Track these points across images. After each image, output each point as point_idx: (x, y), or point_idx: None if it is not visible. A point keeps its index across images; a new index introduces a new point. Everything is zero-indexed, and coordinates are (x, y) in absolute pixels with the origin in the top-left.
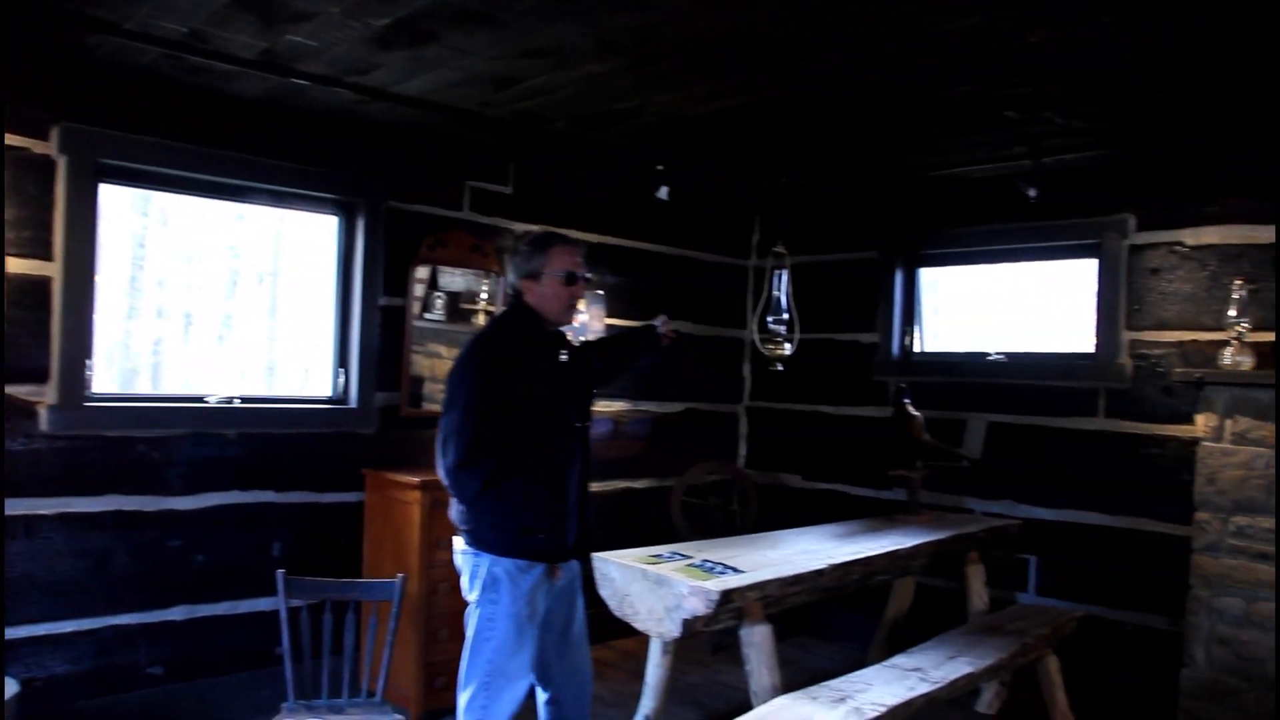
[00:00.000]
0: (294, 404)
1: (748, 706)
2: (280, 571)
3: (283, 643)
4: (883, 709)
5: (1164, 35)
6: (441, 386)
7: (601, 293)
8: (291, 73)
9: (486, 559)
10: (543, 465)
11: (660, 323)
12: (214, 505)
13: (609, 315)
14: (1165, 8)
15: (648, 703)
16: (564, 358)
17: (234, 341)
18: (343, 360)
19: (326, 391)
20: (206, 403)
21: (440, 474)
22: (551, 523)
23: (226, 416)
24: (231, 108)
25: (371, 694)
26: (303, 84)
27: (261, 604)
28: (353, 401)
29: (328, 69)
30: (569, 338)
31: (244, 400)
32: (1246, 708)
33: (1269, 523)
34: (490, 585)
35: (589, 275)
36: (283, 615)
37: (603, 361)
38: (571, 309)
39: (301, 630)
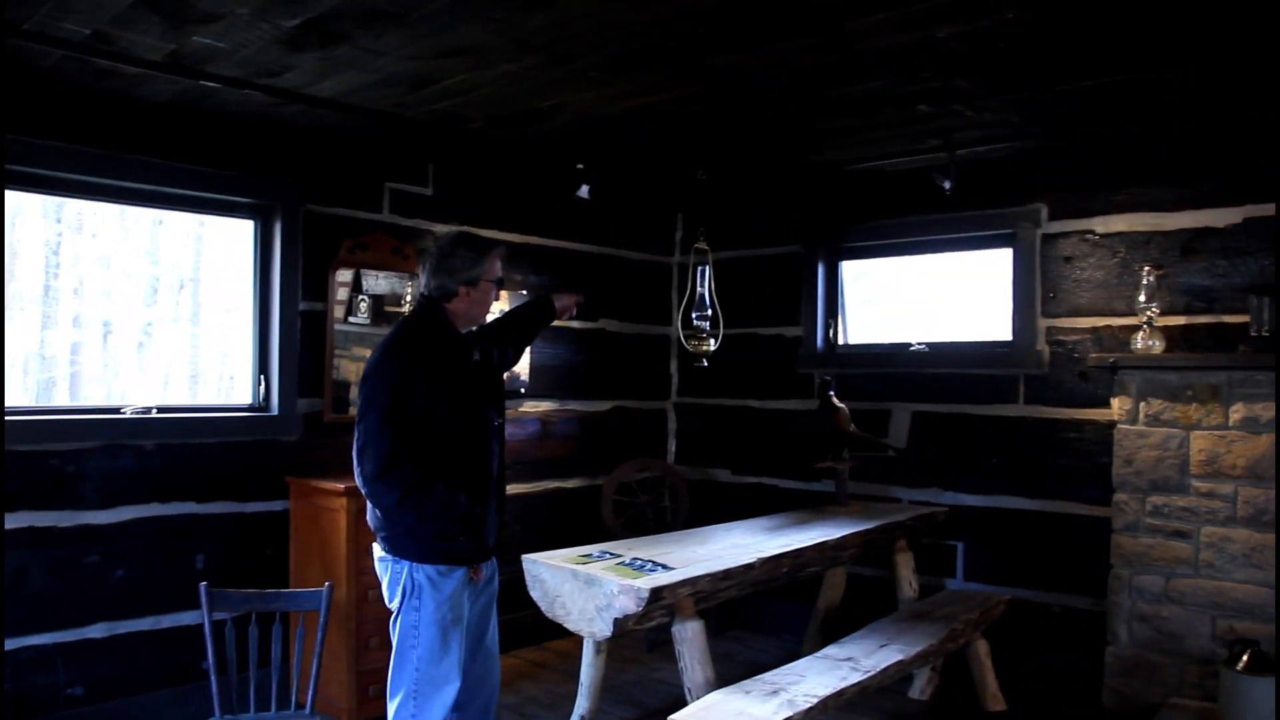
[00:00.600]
0: (214, 412)
1: (684, 703)
2: (203, 584)
3: (208, 657)
4: (815, 700)
5: (1070, 27)
6: None
7: (525, 292)
8: (201, 75)
9: (406, 565)
10: (463, 468)
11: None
12: (133, 519)
13: None
14: (1065, 5)
15: (583, 703)
16: (476, 357)
17: (155, 350)
18: (263, 367)
19: (248, 399)
20: (122, 414)
21: (358, 482)
22: (472, 525)
23: (143, 427)
24: (142, 111)
25: (301, 705)
26: (214, 86)
27: (185, 618)
28: (274, 408)
29: (239, 71)
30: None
31: (161, 410)
32: (1167, 681)
33: (1184, 501)
34: (412, 592)
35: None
36: (206, 629)
37: (503, 349)
38: (488, 315)
39: (227, 643)
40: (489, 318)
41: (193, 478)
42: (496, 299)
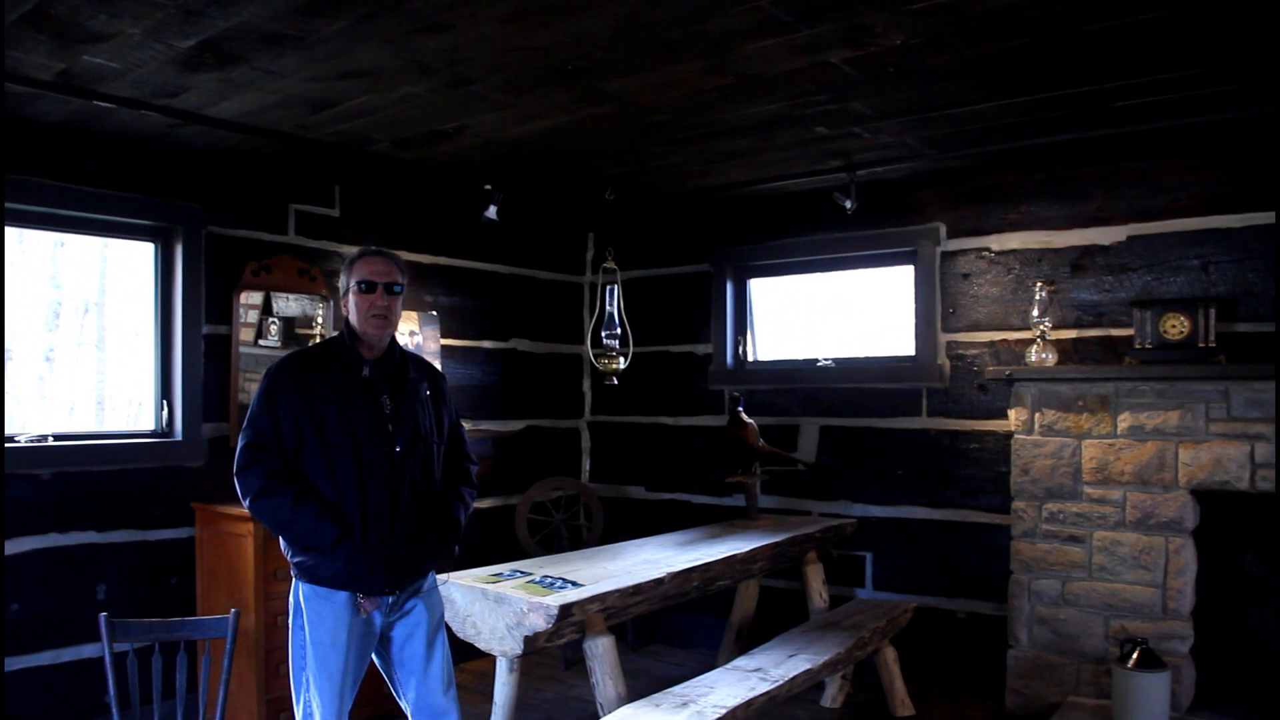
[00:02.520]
0: (114, 439)
1: (598, 719)
2: (103, 615)
3: (109, 690)
4: (724, 710)
5: (956, 52)
6: None
7: (435, 314)
8: (94, 95)
9: (295, 583)
10: (340, 491)
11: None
12: (29, 550)
13: (445, 336)
14: (956, 29)
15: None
16: (365, 373)
17: (58, 376)
18: (166, 391)
19: (150, 425)
20: (16, 442)
21: None
22: (349, 553)
23: (39, 456)
24: (34, 131)
25: None
26: (108, 107)
27: (87, 651)
28: (178, 434)
29: (134, 91)
30: (419, 367)
31: (59, 437)
32: (1065, 681)
33: (1077, 507)
34: (296, 610)
35: (391, 282)
36: (107, 661)
37: (439, 410)
38: (376, 320)
39: (129, 676)
40: (377, 319)
41: (93, 506)
42: (375, 304)
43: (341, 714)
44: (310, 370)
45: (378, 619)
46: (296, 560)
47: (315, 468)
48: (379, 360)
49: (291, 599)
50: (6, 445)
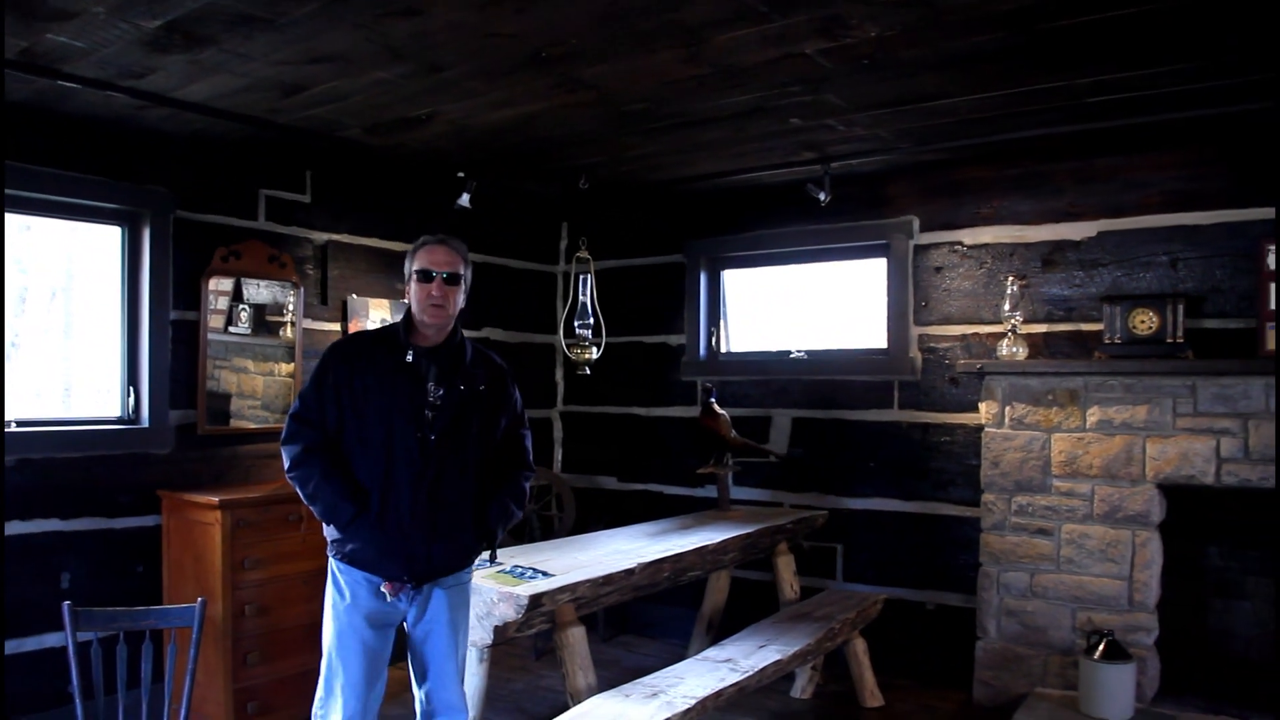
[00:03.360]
0: (79, 425)
1: (567, 709)
2: (66, 603)
3: (72, 680)
4: (694, 700)
5: (931, 45)
6: (252, 402)
7: (407, 301)
8: (58, 75)
9: (330, 557)
10: (370, 474)
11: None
12: None
13: None
14: (930, 22)
15: (469, 711)
16: (409, 358)
17: (24, 361)
18: (133, 377)
19: (116, 411)
20: None
21: None
22: (372, 536)
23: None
24: None
25: None
26: (73, 87)
27: (50, 640)
28: (144, 420)
29: (100, 72)
30: (470, 356)
31: (21, 424)
32: (1033, 672)
33: (1046, 500)
34: (330, 582)
35: (450, 272)
36: (70, 650)
37: (494, 409)
38: (434, 310)
39: (93, 665)
40: (434, 309)
41: (57, 493)
42: (430, 293)
43: (360, 690)
44: (362, 351)
45: (401, 605)
46: (327, 533)
47: (351, 447)
48: (433, 348)
49: (329, 569)
50: None
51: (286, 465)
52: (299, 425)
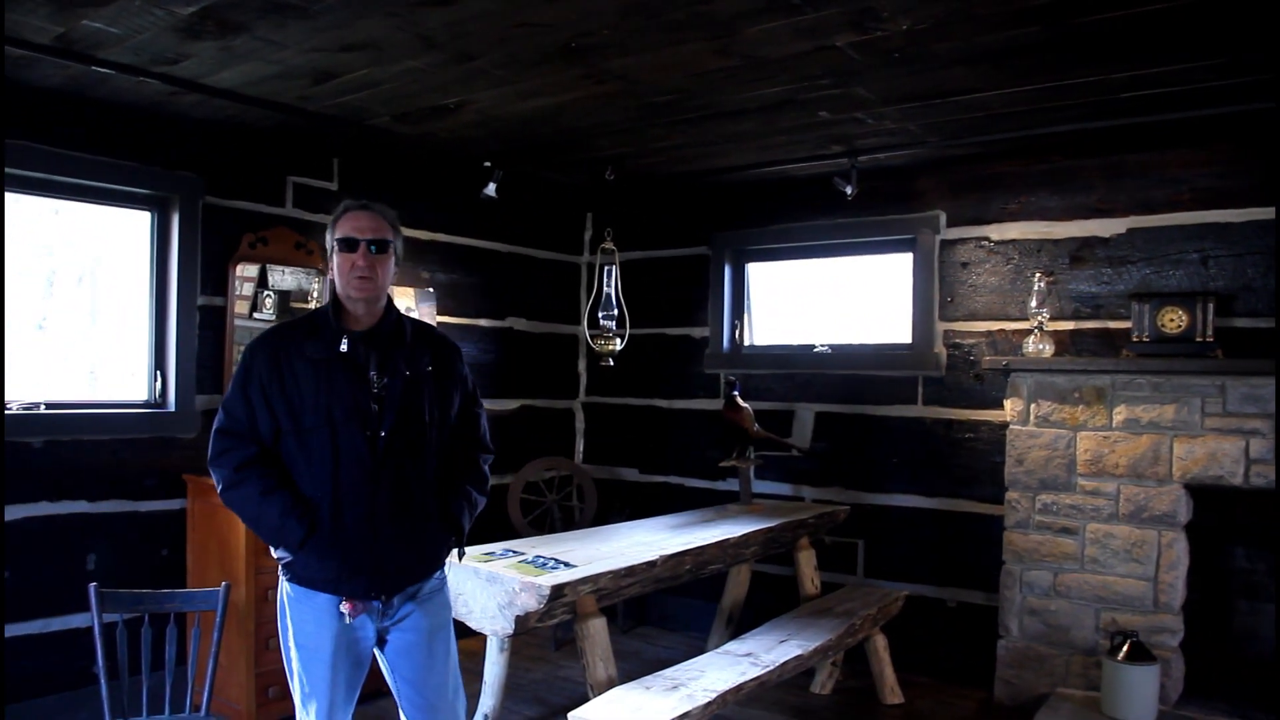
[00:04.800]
0: (107, 409)
1: (588, 700)
2: (92, 585)
3: (97, 660)
4: (714, 694)
5: (963, 38)
6: None
7: (432, 290)
8: (93, 60)
9: (280, 581)
10: (316, 483)
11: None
12: (20, 518)
13: (441, 313)
14: (963, 15)
15: (487, 700)
16: (344, 346)
17: (52, 344)
18: (160, 362)
19: (143, 395)
20: (10, 409)
21: None
22: (325, 552)
23: (31, 424)
24: (33, 97)
25: (196, 708)
26: (107, 73)
27: (75, 620)
28: (171, 405)
29: (133, 58)
30: (419, 335)
31: (50, 406)
32: (1055, 672)
33: (1070, 499)
34: (280, 611)
35: (377, 239)
36: (96, 631)
37: (446, 388)
38: (359, 282)
39: (118, 646)
40: (360, 280)
41: (84, 476)
42: (356, 264)
43: (341, 710)
44: (288, 345)
45: (369, 625)
46: (276, 556)
47: (291, 455)
48: (369, 331)
49: (277, 598)
50: None
51: (220, 488)
52: (227, 440)
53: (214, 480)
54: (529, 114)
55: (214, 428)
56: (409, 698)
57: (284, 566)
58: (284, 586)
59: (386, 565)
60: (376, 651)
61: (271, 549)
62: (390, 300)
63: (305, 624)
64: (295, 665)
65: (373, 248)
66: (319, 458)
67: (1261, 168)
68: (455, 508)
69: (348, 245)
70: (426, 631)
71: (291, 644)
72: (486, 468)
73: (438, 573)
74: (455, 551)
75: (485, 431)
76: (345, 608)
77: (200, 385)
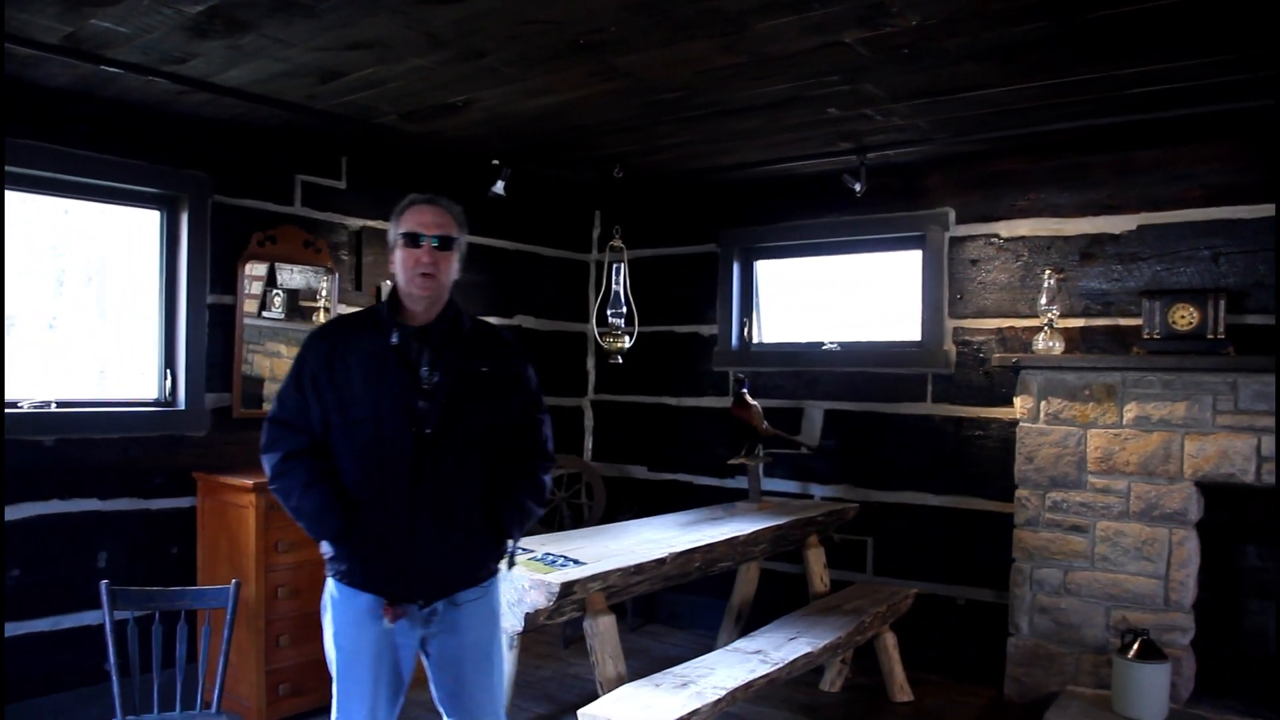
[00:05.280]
0: (117, 407)
1: (597, 698)
2: (104, 582)
3: (109, 657)
4: (724, 692)
5: (972, 34)
6: None
7: None
8: (101, 60)
9: (326, 579)
10: (361, 479)
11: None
12: (31, 516)
13: None
14: (972, 11)
15: None
16: (395, 340)
17: (61, 342)
18: (170, 360)
19: (153, 393)
20: (19, 408)
21: None
22: (368, 551)
23: (42, 422)
24: (40, 96)
25: (207, 705)
26: (115, 72)
27: (87, 618)
28: (181, 403)
29: (141, 57)
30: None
31: (61, 404)
32: (1065, 670)
33: (1081, 497)
34: (324, 603)
35: (442, 235)
36: (107, 628)
37: (505, 392)
38: (422, 279)
39: (129, 643)
40: (423, 278)
41: (95, 474)
42: (421, 260)
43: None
44: (344, 337)
45: (411, 631)
46: (321, 552)
47: (338, 448)
48: (425, 326)
49: (322, 598)
50: (9, 411)
51: (268, 476)
52: (278, 429)
53: (264, 468)
54: (537, 112)
55: (267, 417)
56: (448, 708)
57: (328, 563)
58: (328, 585)
59: (425, 567)
60: (422, 657)
61: (318, 546)
62: (452, 298)
63: (346, 625)
64: (334, 667)
65: (436, 244)
66: (363, 451)
67: (1272, 163)
68: (506, 516)
69: (411, 240)
70: (469, 644)
71: (330, 644)
72: (546, 477)
73: (484, 582)
74: (505, 561)
75: (547, 438)
76: (385, 612)
77: (210, 384)
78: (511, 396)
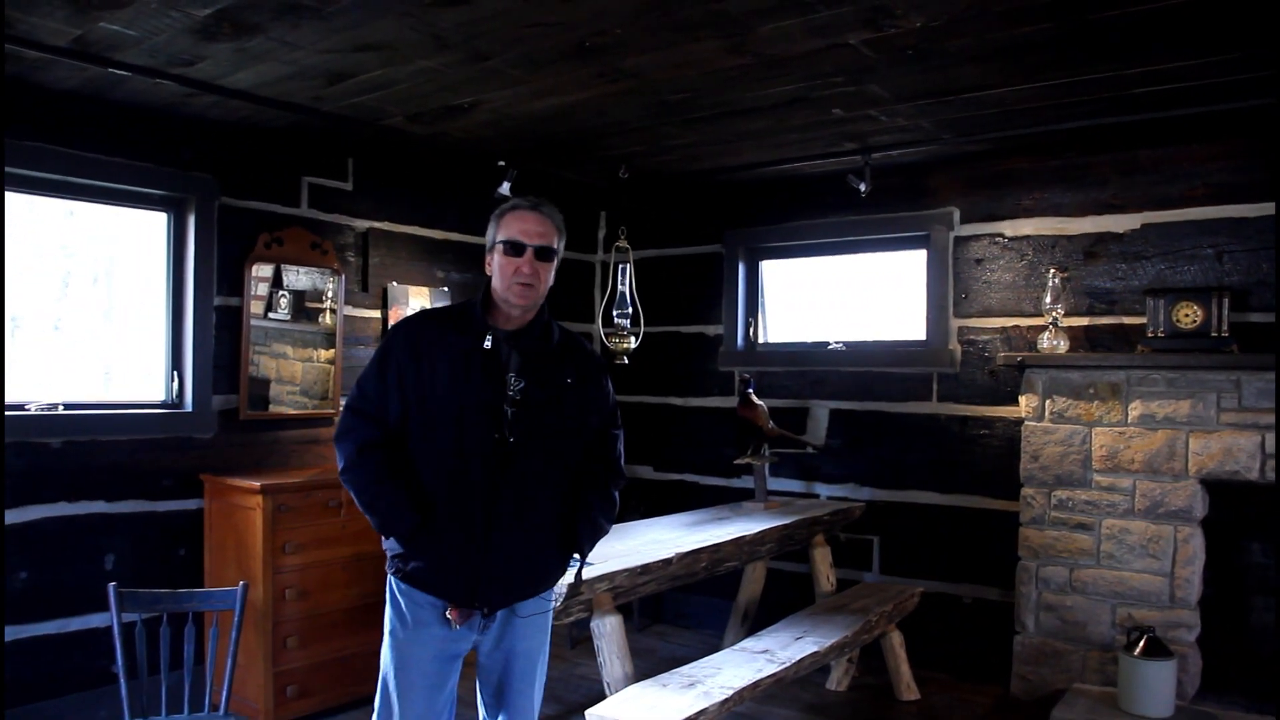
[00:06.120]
0: (124, 409)
1: (604, 697)
2: (111, 584)
3: (117, 660)
4: (731, 691)
5: (976, 34)
6: (291, 388)
7: (447, 289)
8: (109, 63)
9: (389, 575)
10: (436, 479)
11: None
12: (39, 518)
13: None
14: (976, 11)
15: None
16: (488, 344)
17: (67, 344)
18: (177, 362)
19: (160, 395)
20: (27, 410)
21: None
22: (438, 553)
23: (50, 424)
24: (48, 98)
25: (215, 707)
26: (123, 75)
27: (94, 620)
28: (188, 405)
29: (149, 60)
30: (558, 338)
31: (69, 406)
32: (1071, 667)
33: (1086, 495)
34: (389, 603)
35: (544, 246)
36: (115, 630)
37: (585, 403)
38: (520, 288)
39: (137, 645)
40: (522, 287)
41: (102, 476)
42: (521, 269)
43: None
44: (431, 332)
45: (469, 636)
46: (385, 548)
47: (416, 444)
48: (516, 332)
49: (385, 593)
50: (17, 413)
51: (341, 466)
52: (355, 419)
53: (337, 457)
54: (542, 113)
55: (345, 404)
56: (489, 709)
57: (392, 560)
58: (391, 582)
59: (494, 575)
60: (470, 670)
61: (382, 540)
62: (545, 305)
63: (404, 623)
64: (387, 663)
65: (538, 253)
66: (443, 452)
67: (1275, 162)
68: (581, 531)
69: (514, 249)
70: (520, 654)
71: (387, 642)
72: (617, 494)
73: (546, 593)
74: (573, 576)
75: (620, 455)
76: (451, 614)
77: (216, 385)
78: (592, 411)
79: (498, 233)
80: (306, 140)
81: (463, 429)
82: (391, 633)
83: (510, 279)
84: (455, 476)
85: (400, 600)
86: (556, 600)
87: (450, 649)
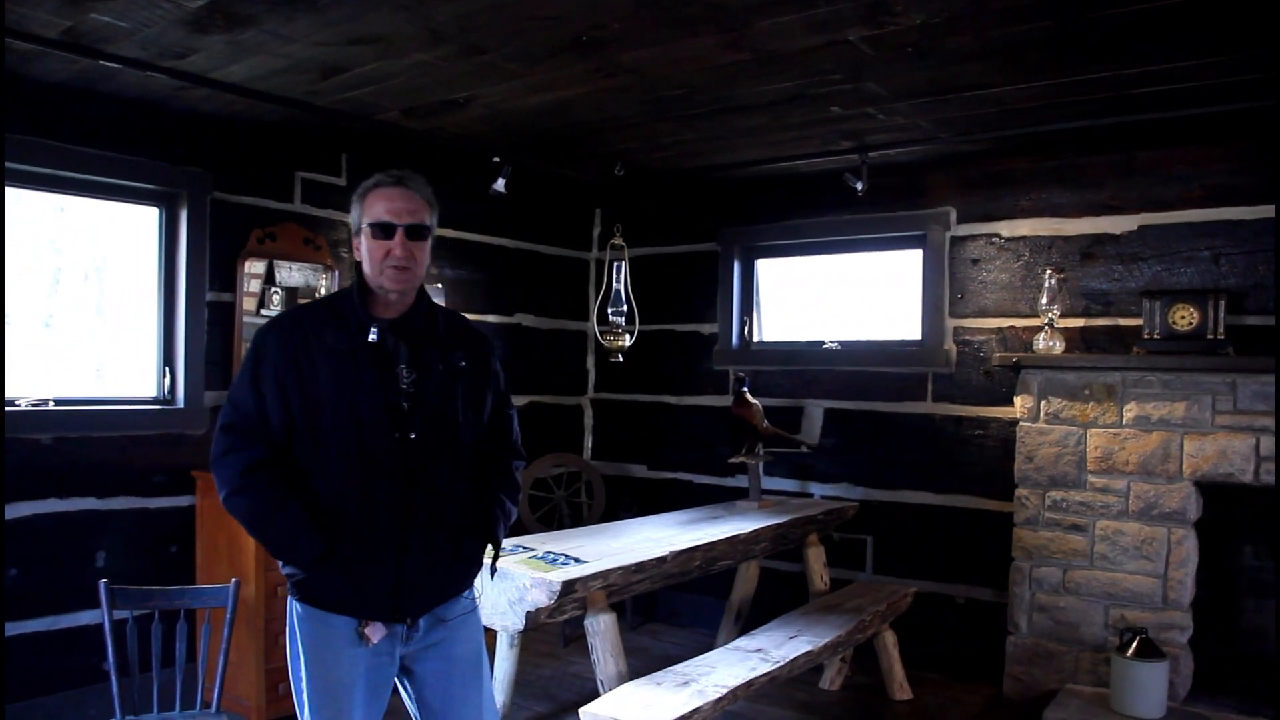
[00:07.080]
0: (116, 405)
1: (598, 696)
2: (103, 581)
3: (108, 657)
4: (725, 690)
5: (976, 33)
6: None
7: (440, 286)
8: (101, 55)
9: (289, 599)
10: (337, 492)
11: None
12: (29, 515)
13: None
14: (976, 9)
15: (497, 697)
16: (373, 336)
17: (58, 340)
18: (169, 358)
19: (152, 391)
20: (17, 406)
21: None
22: (349, 571)
23: (40, 420)
24: (38, 91)
25: (207, 704)
26: (114, 67)
27: (84, 617)
28: (180, 401)
29: (141, 52)
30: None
31: (59, 402)
32: (1064, 668)
33: (1080, 496)
34: (290, 633)
35: (415, 224)
36: (106, 627)
37: (479, 386)
38: (394, 271)
39: (129, 642)
40: (396, 270)
41: (93, 472)
42: (392, 251)
43: None
44: (306, 332)
45: (392, 650)
46: (286, 572)
47: (307, 458)
48: (398, 320)
49: (286, 619)
50: (8, 409)
51: (224, 492)
52: (235, 437)
53: (217, 484)
54: (538, 108)
55: (219, 423)
56: None
57: (293, 585)
58: (294, 607)
59: (415, 584)
60: (397, 680)
61: (280, 565)
62: (422, 287)
63: (319, 650)
64: (305, 696)
65: (409, 232)
66: (341, 462)
67: (1273, 165)
68: (491, 519)
69: (383, 231)
70: (458, 659)
71: (303, 673)
72: (519, 475)
73: (468, 592)
74: (490, 566)
75: (517, 435)
76: (367, 630)
77: (209, 381)
78: (487, 393)
79: (363, 215)
80: (300, 135)
81: (361, 433)
82: (308, 666)
83: (382, 263)
84: (360, 485)
85: (309, 626)
86: (477, 595)
87: (381, 674)
